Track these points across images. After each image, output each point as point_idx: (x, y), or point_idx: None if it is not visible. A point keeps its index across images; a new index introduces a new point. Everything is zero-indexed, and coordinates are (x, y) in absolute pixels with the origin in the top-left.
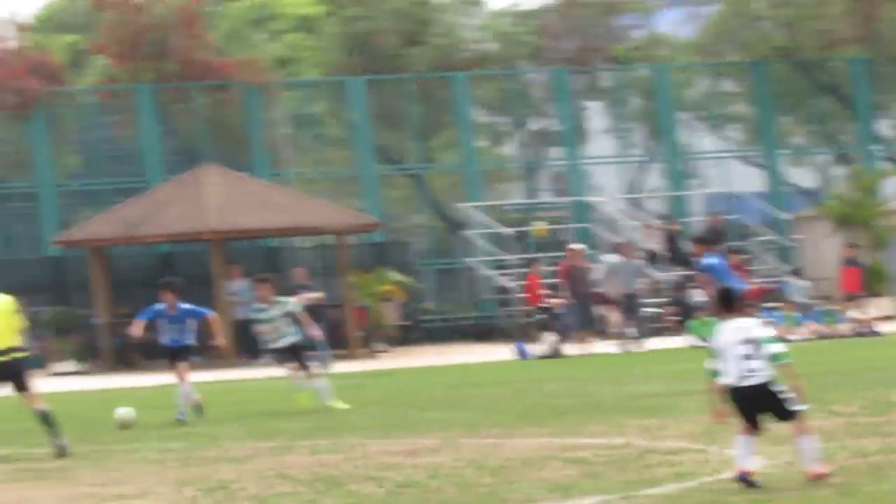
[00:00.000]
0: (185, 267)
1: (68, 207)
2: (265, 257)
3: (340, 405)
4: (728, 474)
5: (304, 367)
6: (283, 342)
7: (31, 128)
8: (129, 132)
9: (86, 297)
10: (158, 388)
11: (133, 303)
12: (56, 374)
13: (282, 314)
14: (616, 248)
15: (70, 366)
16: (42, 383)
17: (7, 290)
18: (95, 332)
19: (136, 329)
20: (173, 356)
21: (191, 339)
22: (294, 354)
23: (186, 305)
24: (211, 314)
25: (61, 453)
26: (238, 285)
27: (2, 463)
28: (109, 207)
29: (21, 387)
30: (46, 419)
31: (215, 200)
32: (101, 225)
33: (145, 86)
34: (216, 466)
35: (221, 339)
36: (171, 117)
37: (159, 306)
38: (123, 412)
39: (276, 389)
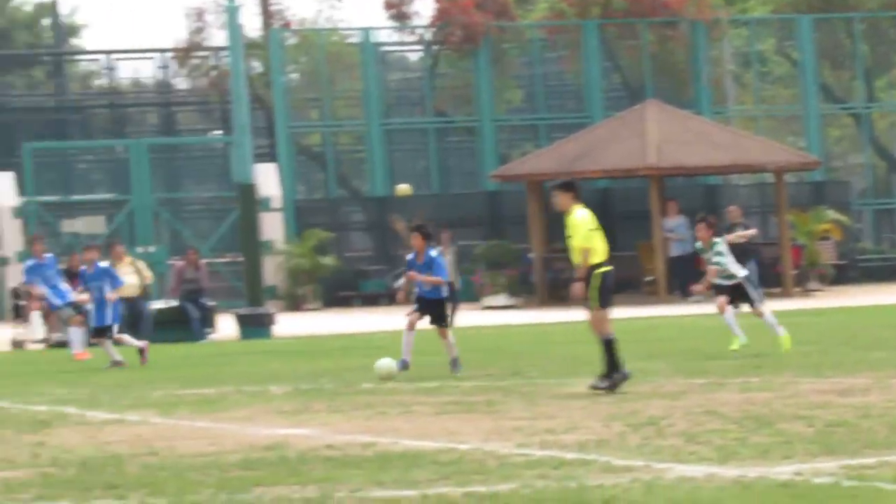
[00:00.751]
0: (622, 203)
1: (508, 142)
2: (703, 194)
3: (786, 344)
4: None
5: (750, 304)
6: (729, 281)
7: (476, 63)
8: (573, 68)
9: (521, 231)
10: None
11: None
12: (488, 308)
13: (719, 253)
14: None
15: (502, 300)
16: (474, 317)
17: (444, 224)
18: (529, 266)
19: (400, 295)
20: (423, 308)
21: (437, 293)
22: (736, 293)
23: (433, 253)
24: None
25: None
26: (674, 222)
27: (430, 395)
28: (549, 143)
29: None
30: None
31: (656, 137)
32: (540, 160)
33: (592, 22)
34: (646, 402)
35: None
36: (617, 54)
37: (410, 256)
38: (384, 364)
39: (708, 327)
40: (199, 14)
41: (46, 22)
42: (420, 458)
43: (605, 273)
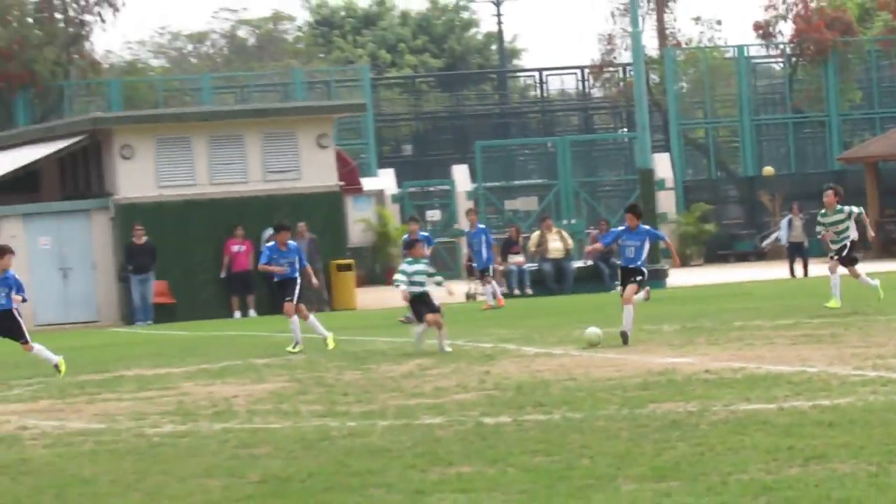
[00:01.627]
0: None
1: (850, 132)
2: None
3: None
4: None
5: (848, 266)
6: (837, 245)
7: (825, 70)
8: None
9: (860, 202)
10: None
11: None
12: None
13: (840, 220)
14: None
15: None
16: (822, 268)
17: (796, 197)
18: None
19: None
20: (624, 278)
21: (637, 262)
22: (841, 256)
23: (646, 227)
24: (665, 238)
25: None
26: None
27: (787, 330)
28: (883, 132)
29: None
30: None
31: None
32: (875, 145)
33: None
34: None
35: (675, 260)
36: None
37: (620, 228)
38: (592, 332)
39: None
40: (610, 38)
41: (493, 47)
42: (778, 379)
43: None
